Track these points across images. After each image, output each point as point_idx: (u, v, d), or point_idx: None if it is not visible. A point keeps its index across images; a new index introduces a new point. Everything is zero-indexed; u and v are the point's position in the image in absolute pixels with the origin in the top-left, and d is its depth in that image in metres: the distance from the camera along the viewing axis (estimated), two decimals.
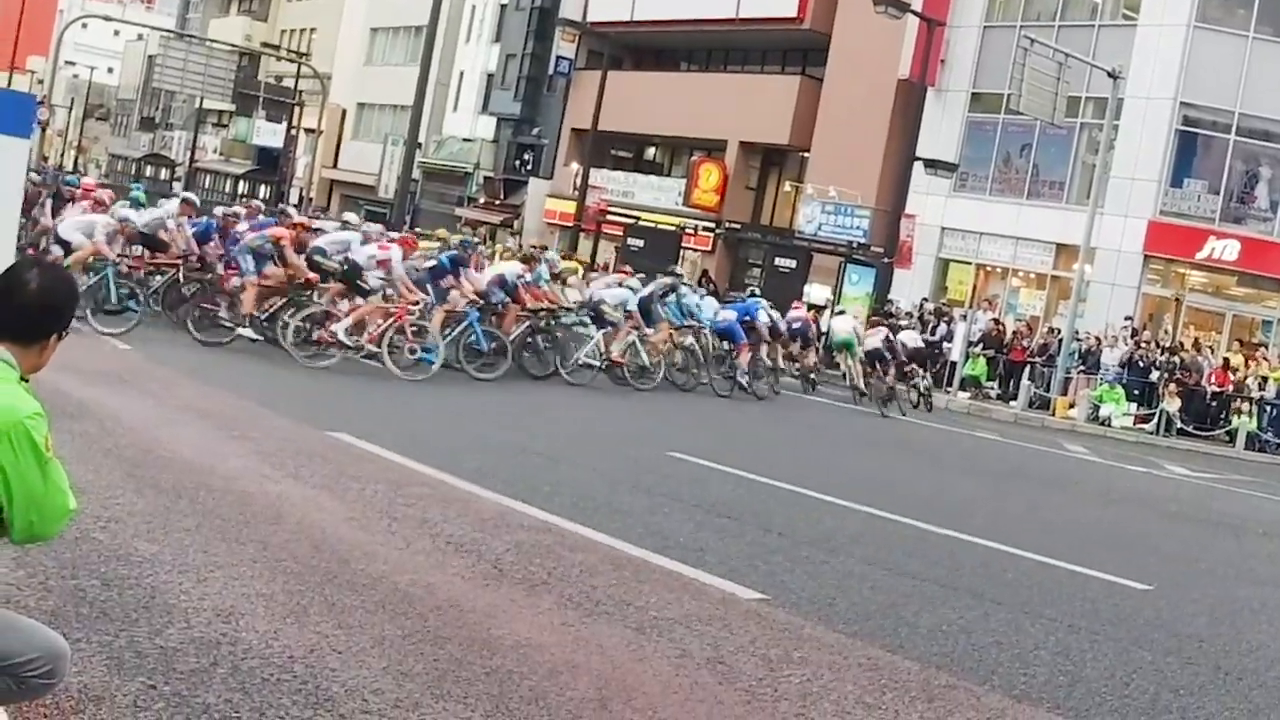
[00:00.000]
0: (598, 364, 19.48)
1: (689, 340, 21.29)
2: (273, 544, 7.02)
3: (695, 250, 45.04)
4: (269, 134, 65.70)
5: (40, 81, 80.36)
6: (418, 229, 47.37)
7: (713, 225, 44.41)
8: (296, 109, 62.36)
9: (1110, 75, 29.64)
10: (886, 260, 33.01)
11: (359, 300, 17.00)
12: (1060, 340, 29.77)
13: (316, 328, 16.69)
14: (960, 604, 7.98)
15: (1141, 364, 28.22)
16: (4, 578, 5.42)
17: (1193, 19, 32.08)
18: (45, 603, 5.47)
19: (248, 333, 17.08)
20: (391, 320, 16.61)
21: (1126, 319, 30.89)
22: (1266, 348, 30.33)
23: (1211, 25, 32.04)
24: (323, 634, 5.60)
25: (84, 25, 77.85)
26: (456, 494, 9.30)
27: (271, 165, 66.21)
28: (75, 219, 18.22)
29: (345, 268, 17.01)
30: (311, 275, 17.21)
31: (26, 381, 3.62)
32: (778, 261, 40.11)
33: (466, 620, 6.13)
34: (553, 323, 19.50)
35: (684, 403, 19.00)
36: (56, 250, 17.27)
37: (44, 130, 72.01)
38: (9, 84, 65.57)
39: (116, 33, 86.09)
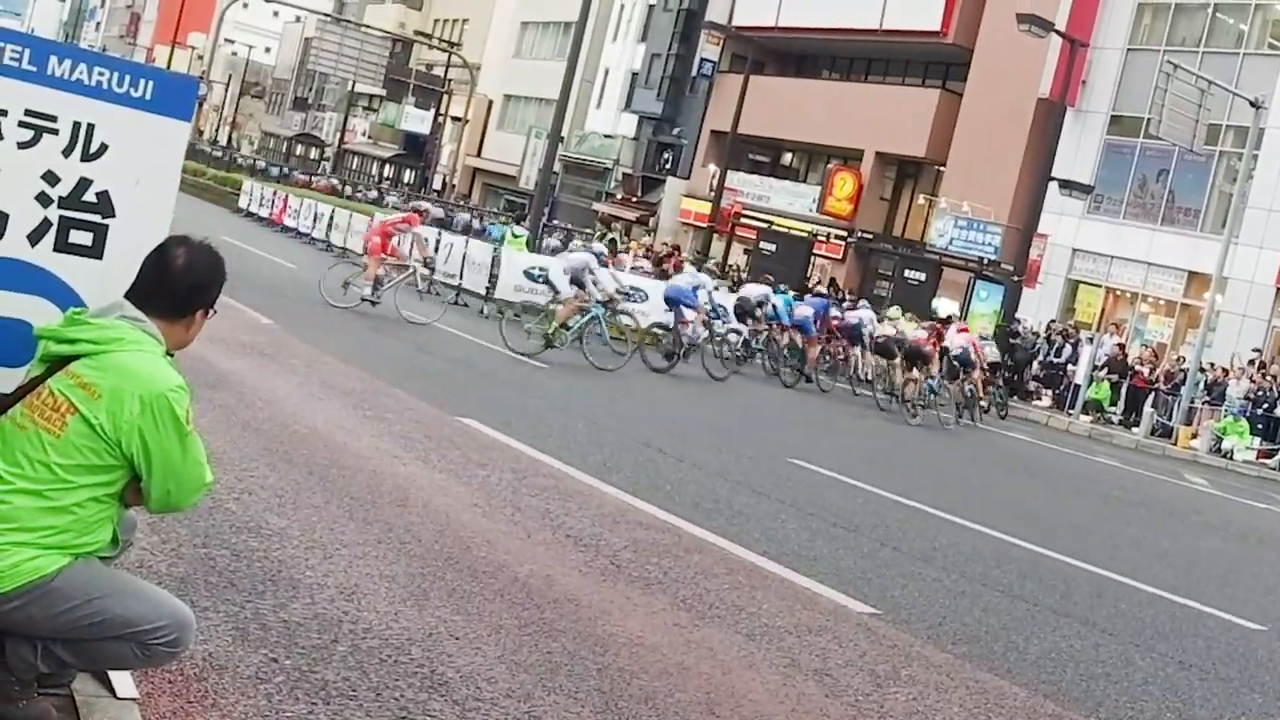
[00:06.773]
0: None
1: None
2: (398, 526, 7.16)
3: (826, 258, 44.91)
4: (417, 120, 66.80)
5: (200, 58, 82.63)
6: (555, 220, 48.05)
7: (845, 234, 44.22)
8: (445, 97, 63.30)
9: (1253, 104, 29.10)
10: (1016, 279, 32.68)
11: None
12: (1186, 369, 29.25)
13: None
14: (1071, 632, 7.94)
15: (1267, 399, 27.62)
16: (138, 543, 5.51)
17: None
18: (176, 569, 5.60)
19: None
20: None
21: (1255, 351, 30.27)
22: None
23: None
24: (441, 618, 5.71)
25: (245, 5, 79.97)
26: (579, 487, 9.40)
27: (417, 151, 67.32)
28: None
29: None
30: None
31: (171, 356, 3.74)
32: (907, 273, 39.87)
33: (581, 615, 6.22)
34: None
35: (804, 409, 18.88)
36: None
37: (201, 106, 74.02)
38: (170, 59, 67.37)
39: (276, 14, 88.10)
